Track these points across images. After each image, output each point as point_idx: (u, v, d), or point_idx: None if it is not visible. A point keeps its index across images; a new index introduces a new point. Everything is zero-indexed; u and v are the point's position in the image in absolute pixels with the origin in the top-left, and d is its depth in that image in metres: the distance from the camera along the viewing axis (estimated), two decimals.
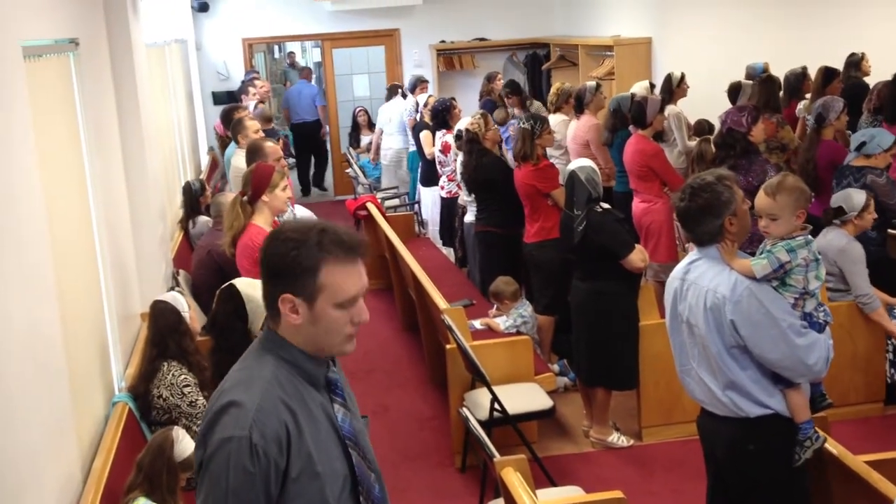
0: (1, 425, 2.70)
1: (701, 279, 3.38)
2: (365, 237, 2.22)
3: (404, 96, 10.91)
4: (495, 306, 6.12)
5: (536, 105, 7.69)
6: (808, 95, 7.50)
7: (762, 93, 7.18)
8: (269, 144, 5.96)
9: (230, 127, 7.77)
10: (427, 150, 8.92)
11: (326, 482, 2.14)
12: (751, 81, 7.61)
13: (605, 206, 5.36)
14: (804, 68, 7.58)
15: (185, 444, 3.55)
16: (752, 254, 3.47)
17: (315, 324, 2.14)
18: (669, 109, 7.61)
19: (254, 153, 5.79)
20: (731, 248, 3.36)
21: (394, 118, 10.75)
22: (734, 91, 7.56)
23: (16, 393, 2.84)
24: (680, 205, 3.40)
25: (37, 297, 3.16)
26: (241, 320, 3.65)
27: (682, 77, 8.00)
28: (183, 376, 4.27)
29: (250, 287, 3.68)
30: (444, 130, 8.27)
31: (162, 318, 4.37)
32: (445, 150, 8.15)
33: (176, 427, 3.70)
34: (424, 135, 9.02)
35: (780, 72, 7.65)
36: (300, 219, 2.22)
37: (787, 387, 3.34)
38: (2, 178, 2.90)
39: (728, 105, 7.04)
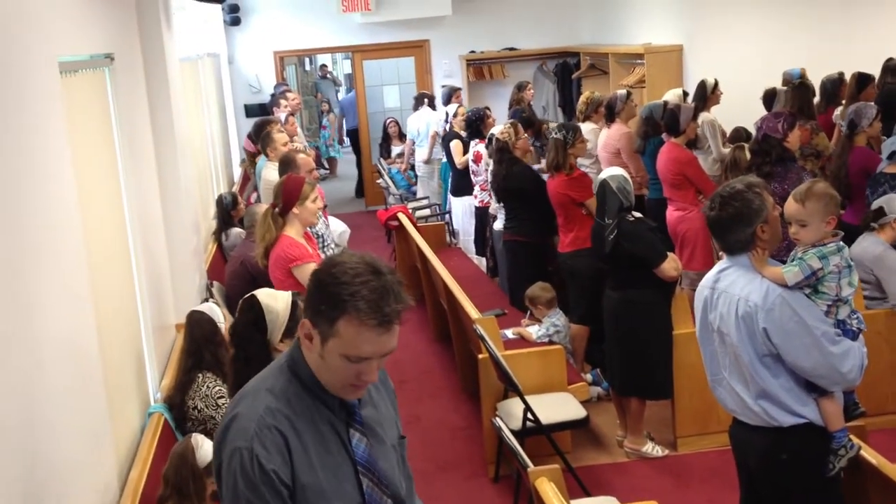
0: (40, 436, 2.73)
1: (732, 287, 3.35)
2: (408, 301, 2.10)
3: (432, 107, 10.93)
4: (528, 314, 6.11)
5: (553, 127, 7.66)
6: (844, 101, 7.41)
7: (796, 99, 7.11)
8: (301, 156, 6.00)
9: (259, 140, 7.83)
10: (457, 160, 8.93)
11: (333, 502, 2.15)
12: (785, 88, 7.54)
13: (638, 214, 5.34)
14: (841, 74, 7.49)
15: (206, 449, 3.55)
16: (785, 262, 3.44)
17: (321, 360, 2.14)
18: (703, 117, 7.56)
19: (286, 165, 5.83)
20: (763, 255, 3.33)
21: (422, 130, 10.79)
22: (769, 97, 7.49)
23: (54, 403, 2.88)
24: (710, 214, 3.38)
25: (74, 309, 3.20)
26: (259, 331, 3.61)
27: (716, 84, 7.95)
28: (217, 388, 4.30)
29: (270, 298, 3.65)
30: (477, 140, 8.28)
31: (198, 328, 4.40)
32: (477, 159, 8.16)
33: (194, 434, 3.71)
34: (454, 144, 9.04)
35: (816, 78, 7.58)
36: (365, 257, 2.14)
37: (820, 395, 3.30)
38: (39, 192, 2.95)
39: (762, 112, 6.98)
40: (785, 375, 3.27)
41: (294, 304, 3.63)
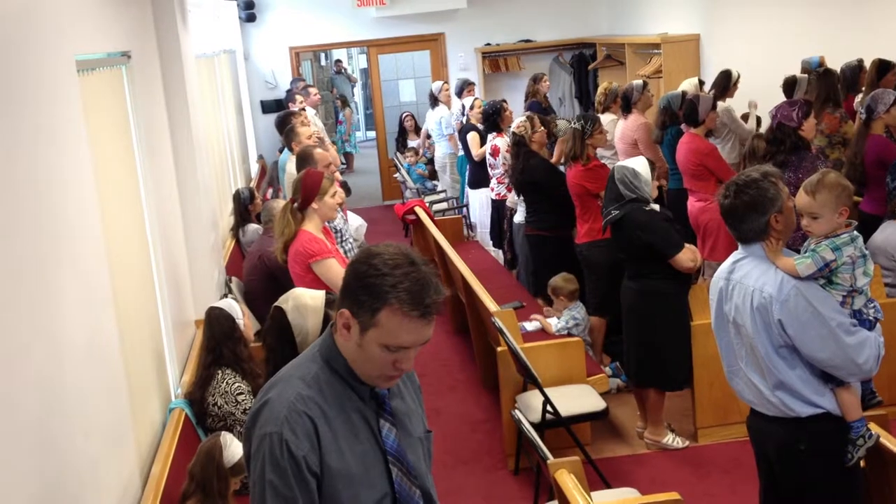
0: (63, 432, 2.75)
1: (746, 278, 3.33)
2: (445, 292, 2.14)
3: (434, 104, 10.90)
4: (552, 305, 6.09)
5: (562, 124, 7.64)
6: (864, 89, 7.34)
7: (821, 87, 7.04)
8: (319, 151, 5.99)
9: (283, 134, 7.85)
10: (475, 153, 8.93)
11: (362, 489, 2.17)
12: (806, 76, 7.48)
13: (655, 206, 5.30)
14: (860, 61, 7.42)
15: (233, 449, 3.57)
16: (799, 251, 3.41)
17: (359, 349, 2.16)
18: (720, 105, 7.51)
19: (304, 159, 5.83)
20: (777, 245, 3.30)
21: (434, 129, 10.86)
22: (790, 85, 7.43)
23: (76, 400, 2.90)
24: (724, 202, 3.36)
25: (95, 307, 3.23)
26: (289, 345, 3.53)
27: (738, 77, 7.89)
28: (237, 384, 4.32)
29: (299, 315, 3.48)
30: (495, 133, 8.27)
31: (217, 324, 4.42)
32: (494, 153, 8.15)
33: (223, 432, 3.72)
34: (471, 136, 9.03)
35: (834, 65, 7.50)
36: (401, 248, 2.18)
37: (837, 385, 3.28)
38: (58, 190, 2.97)
39: (780, 100, 6.92)
40: (801, 366, 3.26)
41: (326, 319, 3.51)
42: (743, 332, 3.36)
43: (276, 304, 3.63)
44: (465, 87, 10.44)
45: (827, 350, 3.19)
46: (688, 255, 5.11)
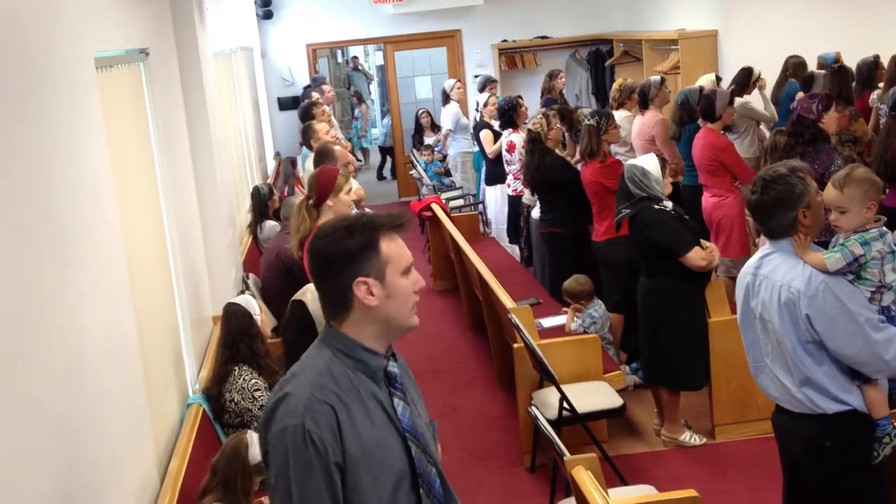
0: (82, 428, 2.76)
1: (774, 273, 3.31)
2: (403, 214, 2.35)
3: (446, 100, 10.92)
4: (569, 306, 6.07)
5: (586, 113, 7.62)
6: (881, 85, 7.30)
7: (834, 83, 7.00)
8: (339, 148, 5.99)
9: (301, 132, 7.87)
10: (488, 150, 8.91)
11: (380, 474, 2.17)
12: (823, 71, 7.44)
13: (667, 203, 5.24)
14: (876, 57, 7.37)
15: (258, 448, 3.58)
16: (825, 243, 3.39)
17: (390, 298, 2.22)
18: (737, 101, 7.46)
19: (323, 156, 5.82)
20: (805, 241, 3.29)
21: (446, 124, 10.88)
22: (807, 81, 7.39)
23: (95, 396, 2.91)
24: (752, 197, 3.34)
25: (113, 303, 3.24)
26: (311, 338, 3.52)
27: (759, 74, 7.84)
28: (254, 381, 4.33)
29: (319, 305, 3.54)
30: (510, 129, 8.25)
31: (234, 320, 4.43)
32: (511, 148, 8.13)
33: (249, 431, 3.73)
34: (484, 134, 9.01)
35: (851, 61, 7.46)
36: (336, 216, 2.33)
37: (864, 382, 3.26)
38: (77, 187, 2.98)
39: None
40: (828, 363, 3.24)
41: None
42: (770, 328, 3.34)
43: (293, 298, 3.62)
44: (487, 84, 10.42)
45: (854, 346, 3.17)
46: (699, 254, 5.05)
